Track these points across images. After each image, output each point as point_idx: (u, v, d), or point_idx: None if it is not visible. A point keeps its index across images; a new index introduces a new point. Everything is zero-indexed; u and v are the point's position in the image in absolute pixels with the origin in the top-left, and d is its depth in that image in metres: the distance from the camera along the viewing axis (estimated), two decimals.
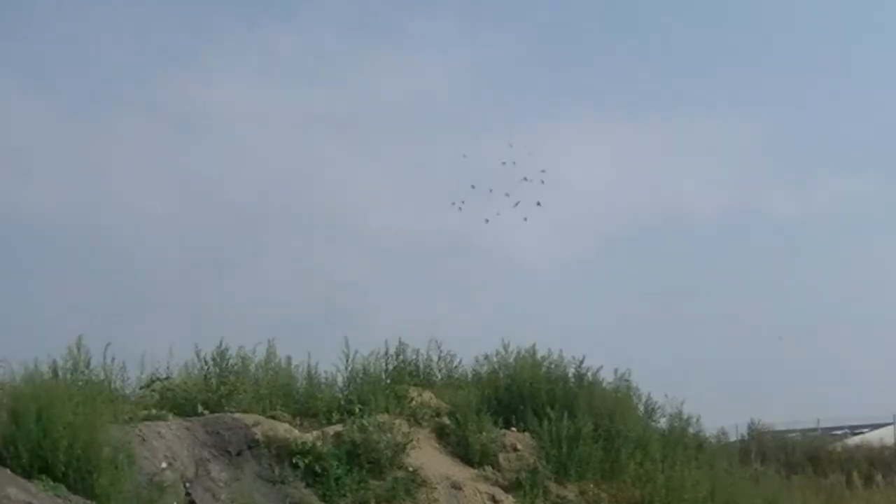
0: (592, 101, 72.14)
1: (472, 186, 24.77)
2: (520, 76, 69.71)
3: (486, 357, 23.17)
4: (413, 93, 68.32)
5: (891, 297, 61.94)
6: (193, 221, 59.71)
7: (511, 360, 22.92)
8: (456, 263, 60.01)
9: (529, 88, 69.01)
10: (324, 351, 23.69)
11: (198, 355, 19.46)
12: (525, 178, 23.91)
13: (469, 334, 42.68)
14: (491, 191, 24.37)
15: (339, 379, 20.98)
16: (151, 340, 35.13)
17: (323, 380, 20.95)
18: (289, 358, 20.57)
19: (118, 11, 65.05)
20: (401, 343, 22.39)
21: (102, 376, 17.29)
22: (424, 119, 68.58)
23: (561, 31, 74.23)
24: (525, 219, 24.63)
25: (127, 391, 18.38)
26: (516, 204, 23.81)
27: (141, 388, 18.88)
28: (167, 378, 19.33)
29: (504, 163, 24.55)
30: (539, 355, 22.81)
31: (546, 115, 63.97)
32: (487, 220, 26.03)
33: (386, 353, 21.94)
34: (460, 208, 24.91)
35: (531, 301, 53.56)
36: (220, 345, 19.63)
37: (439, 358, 22.90)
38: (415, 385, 21.76)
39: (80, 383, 16.40)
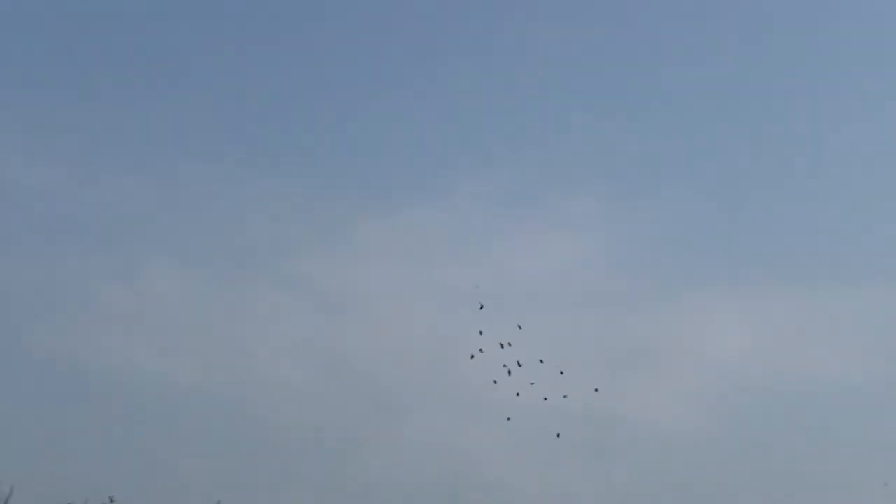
0: (726, 274, 74.80)
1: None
2: (656, 251, 74.47)
3: None
4: (553, 268, 72.46)
5: None
6: (332, 395, 61.67)
7: None
8: (588, 431, 60.71)
9: (667, 264, 73.29)
10: None
11: None
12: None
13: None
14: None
15: None
16: None
17: None
18: None
19: (269, 190, 67.83)
20: None
21: None
22: (561, 294, 71.07)
23: (697, 209, 79.16)
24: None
25: None
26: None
27: None
28: None
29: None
30: None
31: (682, 288, 68.73)
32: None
33: None
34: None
35: (669, 470, 54.43)
36: None
37: None
38: None
39: None
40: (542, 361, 50.04)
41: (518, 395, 49.23)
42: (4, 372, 59.10)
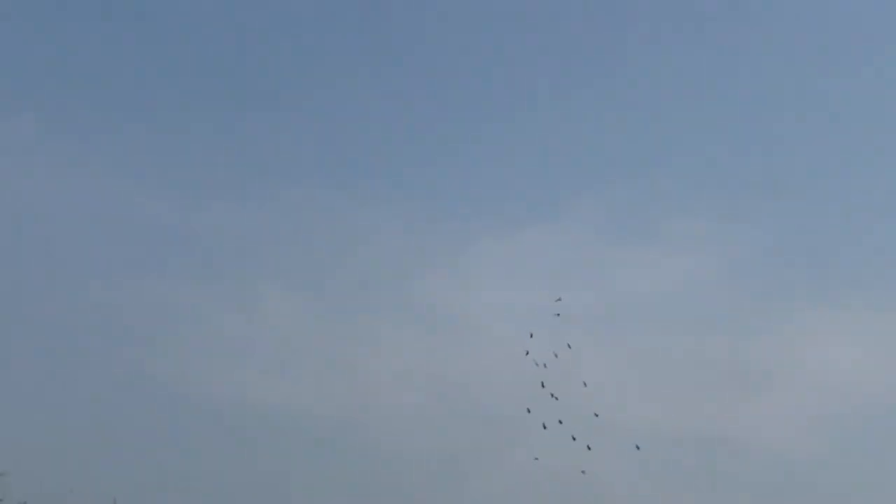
0: (836, 292, 74.12)
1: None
2: (769, 272, 74.84)
3: None
4: (665, 290, 72.96)
5: None
6: (443, 418, 63.00)
7: None
8: (709, 457, 60.48)
9: (778, 283, 73.56)
10: None
11: None
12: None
13: None
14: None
15: None
16: None
17: None
18: None
19: (380, 217, 69.49)
20: None
21: None
22: (676, 314, 71.65)
23: (808, 226, 79.85)
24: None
25: None
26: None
27: None
28: None
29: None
30: None
31: (794, 308, 68.60)
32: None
33: None
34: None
35: (791, 492, 53.93)
36: None
37: None
38: None
39: None
40: (652, 383, 49.62)
41: (622, 415, 48.97)
42: (124, 399, 60.66)
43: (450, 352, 65.73)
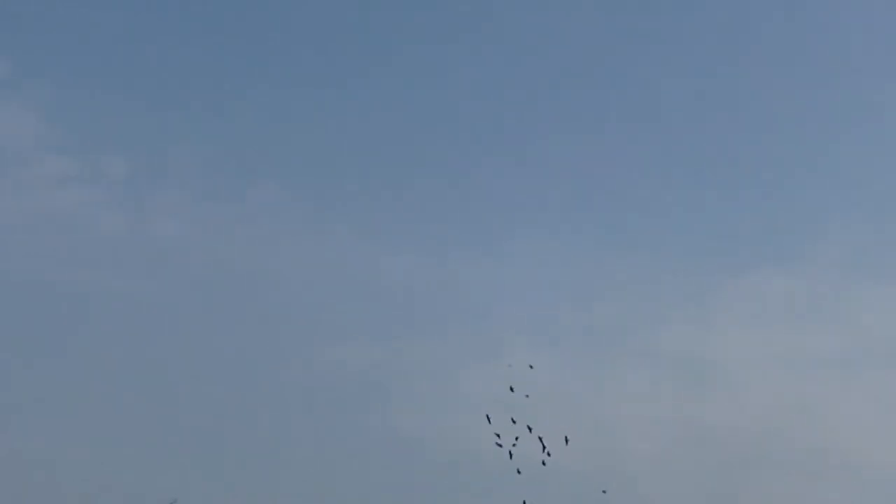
0: None
1: None
2: None
3: None
4: None
5: None
6: (693, 467, 62.71)
7: None
8: None
9: None
10: None
11: None
12: None
13: None
14: None
15: None
16: None
17: None
18: None
19: (615, 266, 71.17)
20: None
21: None
22: None
23: None
24: None
25: None
26: None
27: None
28: None
29: None
30: None
31: None
32: None
33: None
34: None
35: None
36: None
37: None
38: None
39: None
40: None
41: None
42: (374, 452, 62.39)
43: (697, 398, 65.12)
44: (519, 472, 46.97)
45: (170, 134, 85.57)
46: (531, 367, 44.66)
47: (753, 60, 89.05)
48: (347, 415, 65.59)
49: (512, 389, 45.13)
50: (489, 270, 76.49)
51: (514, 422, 45.31)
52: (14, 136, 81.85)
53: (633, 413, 64.17)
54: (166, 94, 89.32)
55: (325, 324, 72.33)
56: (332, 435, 64.17)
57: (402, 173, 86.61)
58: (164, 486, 55.96)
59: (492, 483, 55.32)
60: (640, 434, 62.60)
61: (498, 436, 44.81)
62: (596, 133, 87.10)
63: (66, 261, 75.73)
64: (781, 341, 70.17)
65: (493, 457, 58.31)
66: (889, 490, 58.01)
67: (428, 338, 71.65)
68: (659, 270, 74.33)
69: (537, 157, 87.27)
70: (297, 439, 64.36)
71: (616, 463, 61.19)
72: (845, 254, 75.23)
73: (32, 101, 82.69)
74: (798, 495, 58.77)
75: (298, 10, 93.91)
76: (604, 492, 46.46)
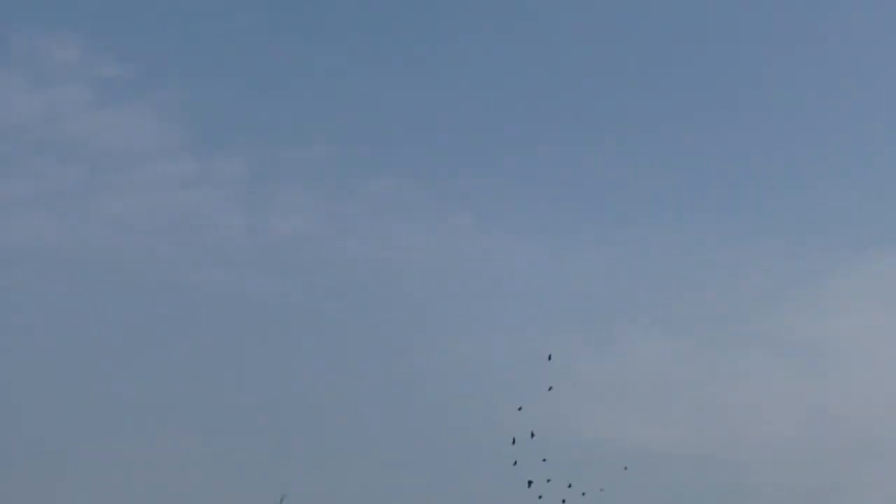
0: None
1: None
2: None
3: None
4: None
5: None
6: (816, 448, 62.08)
7: None
8: None
9: None
10: None
11: None
12: None
13: None
14: None
15: None
16: None
17: None
18: None
19: (736, 250, 70.80)
20: None
21: None
22: None
23: None
24: None
25: None
26: None
27: None
28: None
29: None
30: None
31: None
32: None
33: None
34: None
35: None
36: None
37: None
38: None
39: None
40: None
41: None
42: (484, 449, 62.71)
43: (821, 380, 64.49)
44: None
45: (287, 133, 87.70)
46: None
47: None
48: (480, 409, 66.24)
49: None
50: (609, 257, 76.57)
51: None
52: (138, 137, 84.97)
53: (758, 396, 63.95)
54: (283, 95, 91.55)
55: (454, 316, 73.42)
56: (458, 432, 64.90)
57: (523, 162, 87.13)
58: (276, 481, 57.06)
59: (613, 470, 55.67)
60: (766, 417, 62.32)
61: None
62: (708, 123, 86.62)
63: (190, 260, 78.12)
64: None
65: (617, 443, 58.40)
66: None
67: (546, 326, 72.11)
68: (773, 256, 73.88)
69: (649, 149, 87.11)
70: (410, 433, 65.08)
71: (746, 450, 61.06)
72: None
73: (156, 103, 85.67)
74: None
75: (422, 12, 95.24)
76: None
